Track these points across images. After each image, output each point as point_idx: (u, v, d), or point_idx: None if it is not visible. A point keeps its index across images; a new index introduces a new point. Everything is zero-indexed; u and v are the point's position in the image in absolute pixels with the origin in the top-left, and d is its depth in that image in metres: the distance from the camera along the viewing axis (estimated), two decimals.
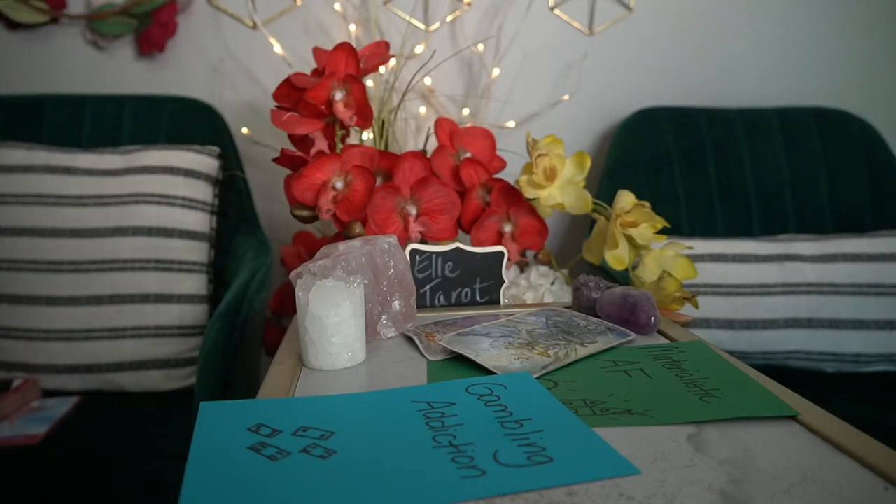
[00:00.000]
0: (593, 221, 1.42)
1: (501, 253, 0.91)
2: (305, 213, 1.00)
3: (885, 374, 1.24)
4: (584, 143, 1.62)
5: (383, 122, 1.34)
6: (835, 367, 1.24)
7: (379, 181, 1.06)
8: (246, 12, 1.50)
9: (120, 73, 1.50)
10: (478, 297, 0.91)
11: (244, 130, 1.50)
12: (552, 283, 1.07)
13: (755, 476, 0.46)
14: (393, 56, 1.16)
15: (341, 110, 1.02)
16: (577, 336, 0.73)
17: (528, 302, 1.03)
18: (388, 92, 1.40)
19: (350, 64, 1.03)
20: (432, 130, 1.15)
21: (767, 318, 1.22)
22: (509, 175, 1.17)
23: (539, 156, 1.04)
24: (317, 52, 1.10)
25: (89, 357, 1.16)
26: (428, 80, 1.52)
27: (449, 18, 1.53)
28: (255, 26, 1.50)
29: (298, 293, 0.68)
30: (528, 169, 1.06)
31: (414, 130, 1.56)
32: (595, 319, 0.79)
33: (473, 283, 0.91)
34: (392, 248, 0.78)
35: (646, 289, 0.91)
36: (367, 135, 1.37)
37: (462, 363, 0.68)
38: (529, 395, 0.59)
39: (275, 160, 1.06)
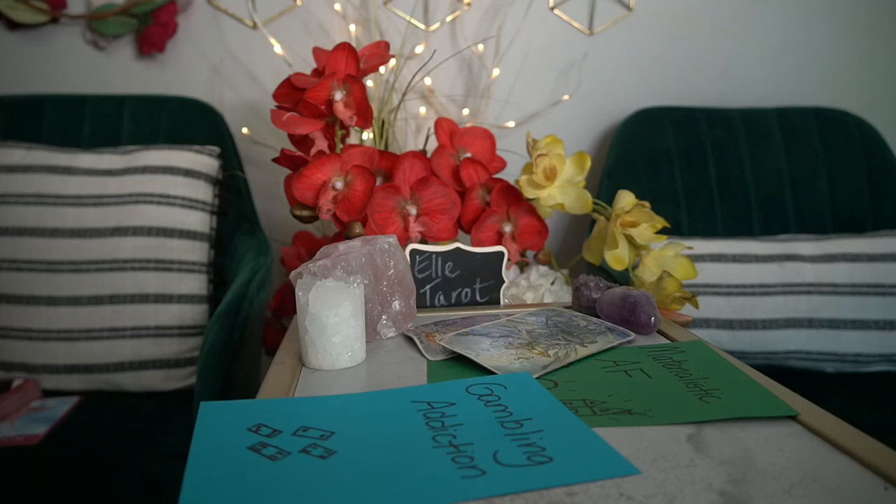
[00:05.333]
0: (593, 221, 1.42)
1: (501, 253, 0.91)
2: (305, 213, 1.00)
3: (885, 374, 1.24)
4: (584, 143, 1.62)
5: (383, 122, 1.34)
6: (835, 367, 1.24)
7: (379, 181, 1.06)
8: (246, 12, 1.50)
9: (120, 73, 1.50)
10: (478, 297, 0.91)
11: (244, 130, 1.50)
12: (552, 283, 1.07)
13: (755, 476, 0.46)
14: (393, 56, 1.16)
15: (341, 110, 1.02)
16: (577, 336, 0.73)
17: (528, 302, 1.03)
18: (388, 92, 1.40)
19: (350, 64, 1.03)
20: (432, 130, 1.15)
21: (767, 318, 1.23)
22: (509, 175, 1.17)
23: (539, 156, 1.04)
24: (317, 52, 1.10)
25: (89, 357, 1.16)
26: (428, 80, 1.52)
27: (449, 18, 1.53)
28: (255, 26, 1.50)
29: (298, 293, 0.68)
30: (528, 169, 1.06)
31: (414, 130, 1.56)
32: (595, 319, 0.79)
33: (473, 283, 0.91)
34: (392, 248, 0.78)
35: (646, 289, 0.91)
36: (367, 135, 1.37)
37: (462, 363, 0.68)
38: (529, 395, 0.59)
39: (275, 160, 1.06)
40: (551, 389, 0.61)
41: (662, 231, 0.99)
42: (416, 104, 1.54)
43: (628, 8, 1.56)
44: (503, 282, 0.92)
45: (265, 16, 1.50)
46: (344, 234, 1.00)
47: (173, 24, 1.46)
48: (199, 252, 1.24)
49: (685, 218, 1.44)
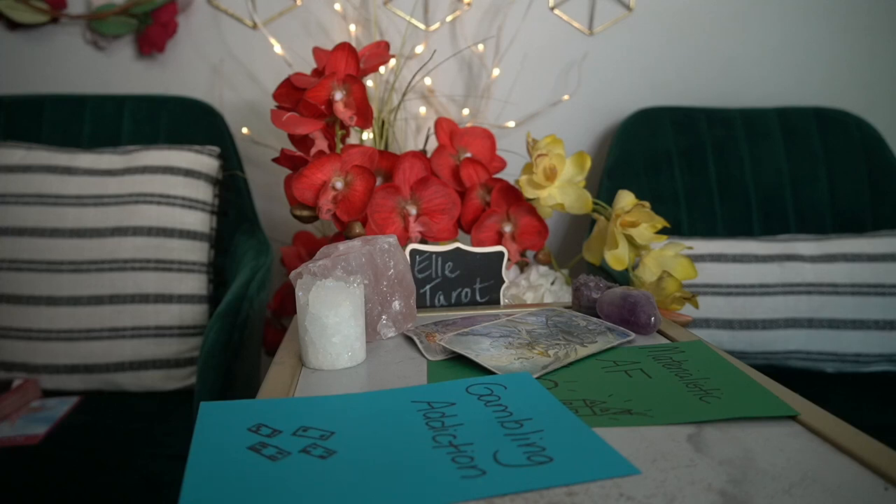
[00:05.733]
0: (593, 221, 1.42)
1: (501, 253, 0.91)
2: (305, 213, 1.00)
3: (885, 374, 1.24)
4: (584, 143, 1.62)
5: (383, 122, 1.34)
6: (835, 367, 1.24)
7: (379, 181, 1.06)
8: (246, 12, 1.50)
9: (120, 73, 1.50)
10: (478, 297, 0.91)
11: (244, 130, 1.50)
12: (552, 283, 1.07)
13: (755, 476, 0.46)
14: (393, 56, 1.16)
15: (341, 110, 1.02)
16: (577, 336, 0.73)
17: (528, 302, 1.03)
18: (388, 92, 1.40)
19: (350, 64, 1.03)
20: (432, 130, 1.15)
21: (767, 318, 1.22)
22: (509, 175, 1.17)
23: (539, 156, 1.04)
24: (317, 52, 1.10)
25: (89, 357, 1.16)
26: (428, 80, 1.52)
27: (449, 18, 1.53)
28: (255, 26, 1.50)
29: (298, 293, 0.68)
30: (528, 169, 1.06)
31: (414, 130, 1.56)
32: (595, 319, 0.79)
33: (473, 283, 0.91)
34: (392, 248, 0.78)
35: (646, 289, 0.91)
36: (367, 135, 1.37)
37: (462, 363, 0.68)
38: (529, 395, 0.59)
39: (275, 160, 1.06)
40: (551, 389, 0.61)
41: (662, 231, 0.99)
42: (416, 104, 1.54)
43: (628, 8, 1.56)
44: (503, 282, 0.92)
45: (265, 16, 1.50)
46: (344, 234, 1.00)
47: (173, 24, 1.46)
48: (199, 252, 1.24)
49: (685, 218, 1.44)
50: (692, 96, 1.60)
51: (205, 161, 1.29)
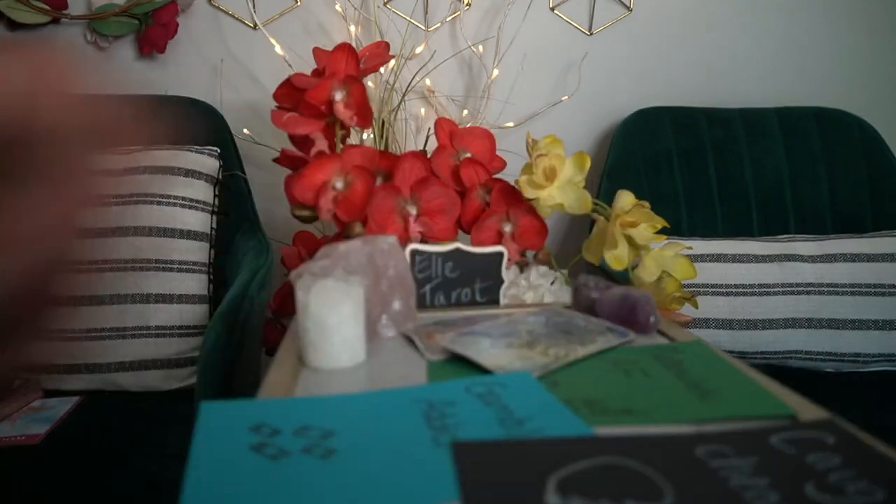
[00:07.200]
0: (593, 221, 1.42)
1: (501, 253, 0.91)
2: (305, 213, 1.01)
3: (884, 373, 1.24)
4: (584, 143, 1.62)
5: (383, 123, 1.34)
6: (834, 366, 1.24)
7: (379, 181, 1.06)
8: (246, 12, 1.50)
9: (120, 73, 1.50)
10: (478, 298, 0.91)
11: (245, 131, 1.50)
12: (552, 283, 1.07)
13: None
14: (393, 56, 1.16)
15: (341, 110, 1.02)
16: (576, 336, 0.73)
17: (528, 302, 1.03)
18: (389, 92, 1.40)
19: (350, 64, 1.03)
20: (432, 130, 1.15)
21: (767, 318, 1.23)
22: (509, 175, 1.17)
23: (539, 156, 1.04)
24: (317, 52, 1.10)
25: (89, 357, 1.16)
26: (428, 81, 1.52)
27: (449, 18, 1.53)
28: (255, 26, 1.50)
29: (298, 293, 0.68)
30: (528, 169, 1.06)
31: (414, 130, 1.56)
32: (595, 319, 0.79)
33: (473, 283, 0.91)
34: (392, 248, 0.79)
35: (645, 289, 0.91)
36: (367, 135, 1.37)
37: (462, 363, 0.68)
38: (529, 395, 0.59)
39: (275, 160, 1.06)
40: (551, 389, 0.61)
41: (662, 231, 0.99)
42: (416, 104, 1.54)
43: (628, 8, 1.56)
44: (503, 282, 0.92)
45: (265, 16, 1.50)
46: (344, 234, 1.00)
47: (174, 25, 1.46)
48: (199, 252, 1.24)
49: (685, 218, 1.44)
50: (692, 96, 1.60)
51: (205, 161, 1.29)
